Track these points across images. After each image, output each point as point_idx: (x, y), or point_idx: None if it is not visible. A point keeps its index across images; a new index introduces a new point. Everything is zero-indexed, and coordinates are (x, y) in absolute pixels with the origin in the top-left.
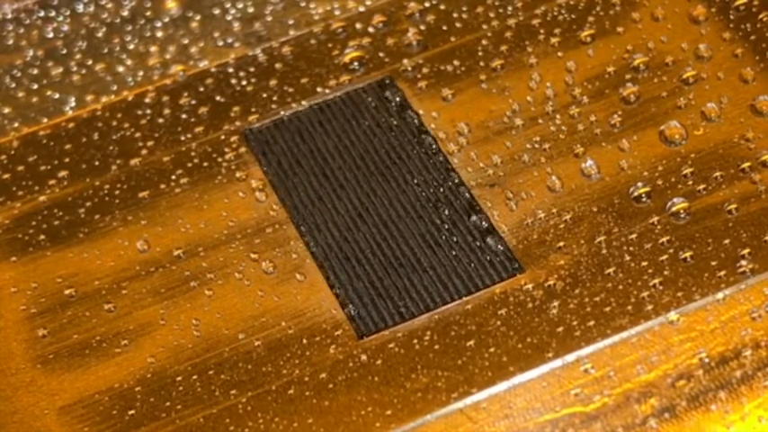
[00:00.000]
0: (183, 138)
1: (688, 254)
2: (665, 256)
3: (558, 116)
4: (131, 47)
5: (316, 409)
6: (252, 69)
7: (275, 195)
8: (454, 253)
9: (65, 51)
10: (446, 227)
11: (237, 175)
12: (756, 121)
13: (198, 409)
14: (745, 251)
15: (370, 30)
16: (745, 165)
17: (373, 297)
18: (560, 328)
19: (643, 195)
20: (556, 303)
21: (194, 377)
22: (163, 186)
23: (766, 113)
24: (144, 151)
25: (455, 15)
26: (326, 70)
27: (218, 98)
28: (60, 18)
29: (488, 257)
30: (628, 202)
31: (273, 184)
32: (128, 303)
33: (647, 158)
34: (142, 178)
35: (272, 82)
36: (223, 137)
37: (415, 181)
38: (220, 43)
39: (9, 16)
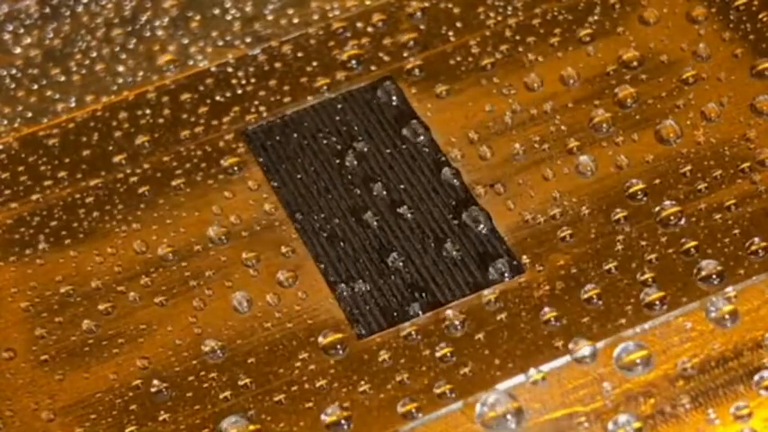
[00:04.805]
0: (182, 138)
1: (688, 253)
2: (664, 256)
3: (557, 116)
4: (131, 47)
5: (315, 410)
6: (252, 69)
7: (275, 195)
8: (454, 253)
9: (65, 51)
10: (446, 227)
11: (237, 175)
12: (756, 121)
13: (198, 409)
14: (745, 251)
15: (370, 29)
16: (745, 165)
17: (373, 297)
18: (560, 328)
19: (642, 195)
20: (555, 303)
21: (194, 377)
22: (163, 186)
23: (766, 113)
24: (144, 151)
25: (455, 15)
26: (326, 70)
27: (218, 98)
28: (60, 18)
29: (488, 257)
30: (627, 201)
31: (273, 184)
32: (127, 303)
33: (646, 158)
34: (142, 178)
35: (272, 82)
36: (223, 137)
37: (415, 180)
38: (220, 43)
39: (9, 16)
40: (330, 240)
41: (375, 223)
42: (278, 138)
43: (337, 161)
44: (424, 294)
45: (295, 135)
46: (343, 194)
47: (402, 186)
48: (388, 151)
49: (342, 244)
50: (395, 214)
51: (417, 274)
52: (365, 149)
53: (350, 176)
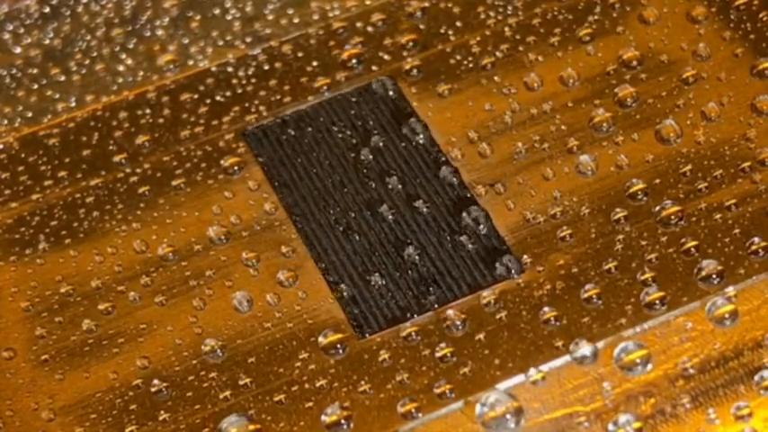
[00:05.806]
0: (182, 138)
1: (688, 253)
2: (664, 256)
3: (557, 115)
4: (131, 47)
5: (315, 410)
6: (252, 69)
7: (275, 195)
8: (454, 253)
9: (65, 51)
10: (446, 226)
11: (237, 174)
12: (757, 121)
13: (198, 409)
14: (745, 251)
15: (370, 29)
16: (746, 164)
17: (373, 297)
18: (559, 328)
19: (643, 195)
20: (555, 303)
21: (194, 377)
22: (163, 186)
23: (766, 113)
24: (144, 151)
25: (455, 14)
26: (326, 69)
27: (218, 98)
28: (60, 18)
29: (488, 257)
30: (627, 201)
31: (273, 183)
32: (127, 303)
33: (646, 158)
34: (142, 178)
35: (272, 82)
36: (223, 136)
37: (415, 181)
38: (220, 43)
39: (9, 16)
40: (330, 240)
41: (375, 223)
42: (278, 138)
43: (337, 161)
44: (424, 295)
45: (295, 135)
46: (342, 194)
47: (402, 186)
48: (388, 151)
49: (342, 244)
50: (395, 214)
51: (418, 274)
52: (365, 149)
53: (350, 176)
